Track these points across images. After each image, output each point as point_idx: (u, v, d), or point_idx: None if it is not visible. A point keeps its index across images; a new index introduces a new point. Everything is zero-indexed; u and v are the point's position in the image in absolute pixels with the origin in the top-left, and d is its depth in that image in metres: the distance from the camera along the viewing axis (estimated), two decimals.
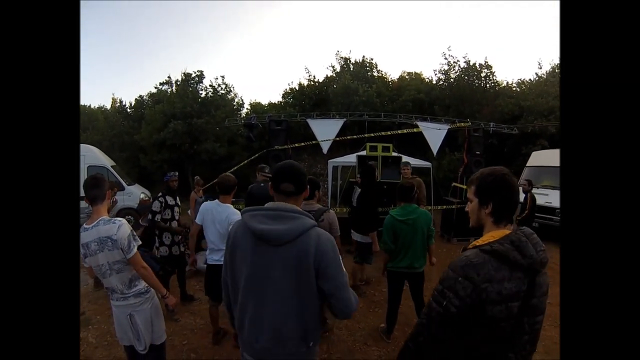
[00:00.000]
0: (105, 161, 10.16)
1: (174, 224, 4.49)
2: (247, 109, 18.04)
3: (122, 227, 2.21)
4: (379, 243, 3.65)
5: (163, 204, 4.39)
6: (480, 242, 1.30)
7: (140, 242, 2.33)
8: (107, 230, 2.17)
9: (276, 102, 18.83)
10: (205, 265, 5.43)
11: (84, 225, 2.23)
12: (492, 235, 1.29)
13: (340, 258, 1.53)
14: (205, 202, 3.66)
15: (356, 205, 5.10)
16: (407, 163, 6.52)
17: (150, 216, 4.40)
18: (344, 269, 1.53)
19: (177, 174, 4.63)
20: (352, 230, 5.02)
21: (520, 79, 17.63)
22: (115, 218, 2.27)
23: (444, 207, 8.28)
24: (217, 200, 3.46)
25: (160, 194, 4.51)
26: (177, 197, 4.65)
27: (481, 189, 1.36)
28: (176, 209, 4.56)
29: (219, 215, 3.33)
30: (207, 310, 4.32)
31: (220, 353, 3.51)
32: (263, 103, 18.95)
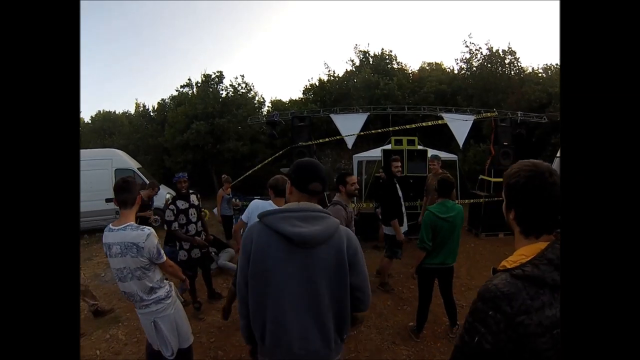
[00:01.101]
0: (132, 164, 10.43)
1: (192, 227, 4.28)
2: (268, 106, 18.15)
3: (150, 237, 2.21)
4: (416, 241, 3.54)
5: (175, 211, 4.17)
6: (511, 262, 1.07)
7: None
8: (134, 237, 2.17)
9: (297, 98, 18.83)
10: (230, 263, 5.50)
11: (110, 226, 2.25)
12: (523, 253, 1.07)
13: None
14: (256, 200, 3.67)
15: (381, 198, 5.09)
16: (437, 157, 5.97)
17: (166, 227, 4.25)
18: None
19: (186, 175, 4.36)
20: (382, 225, 5.07)
21: (546, 64, 16.89)
22: (145, 226, 2.26)
23: (472, 200, 8.02)
24: (270, 201, 3.45)
25: (170, 200, 4.34)
26: (192, 198, 4.36)
27: (507, 189, 1.12)
28: (191, 211, 4.30)
29: None
30: (234, 308, 4.35)
31: (247, 351, 3.49)
32: (284, 100, 19.00)
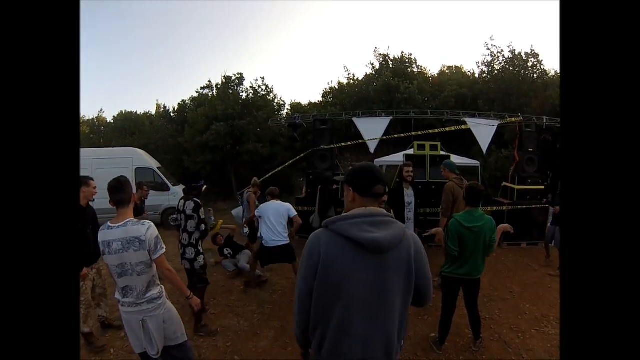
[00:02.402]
0: (152, 163, 10.60)
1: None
2: (287, 109, 18.19)
3: (151, 229, 2.28)
4: (445, 246, 3.41)
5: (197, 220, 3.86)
6: None
7: (165, 249, 2.36)
8: (135, 231, 2.23)
9: (316, 101, 18.84)
10: (248, 265, 5.50)
11: (108, 224, 2.29)
12: None
13: None
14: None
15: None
16: (450, 164, 5.23)
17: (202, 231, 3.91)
18: None
19: (202, 182, 4.07)
20: None
21: None
22: (144, 220, 2.33)
23: (494, 208, 7.81)
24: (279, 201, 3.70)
25: (195, 205, 3.87)
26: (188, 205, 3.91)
27: None
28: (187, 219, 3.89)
29: None
30: (252, 313, 4.35)
31: (265, 357, 3.45)
32: (303, 103, 19.03)
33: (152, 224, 2.33)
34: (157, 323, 2.36)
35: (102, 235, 2.26)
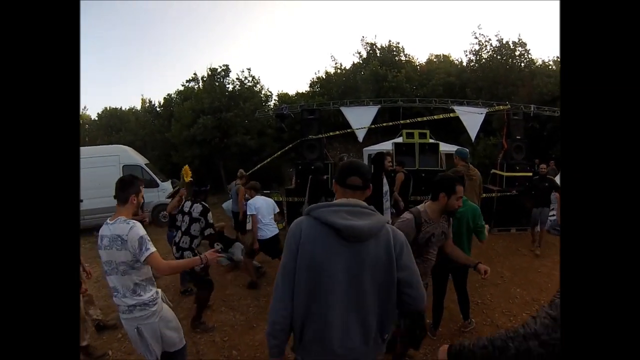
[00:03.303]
0: (139, 160, 10.44)
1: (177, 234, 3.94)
2: (274, 100, 18.06)
3: (134, 229, 2.19)
4: None
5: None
6: None
7: (152, 250, 2.19)
8: (119, 229, 2.19)
9: (304, 91, 18.73)
10: (242, 257, 5.48)
11: (107, 220, 2.30)
12: None
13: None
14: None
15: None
16: (462, 152, 5.27)
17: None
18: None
19: (207, 187, 4.13)
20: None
21: (557, 57, 16.62)
22: (131, 220, 2.26)
23: (484, 195, 7.89)
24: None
25: (203, 209, 3.83)
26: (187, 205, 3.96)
27: None
28: (185, 217, 3.90)
29: None
30: (247, 306, 4.35)
31: (262, 350, 3.46)
32: (290, 93, 18.90)
33: (138, 223, 2.26)
34: (152, 330, 2.30)
35: (100, 230, 2.28)
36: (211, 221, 3.83)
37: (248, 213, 4.86)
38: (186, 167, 4.87)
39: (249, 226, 7.82)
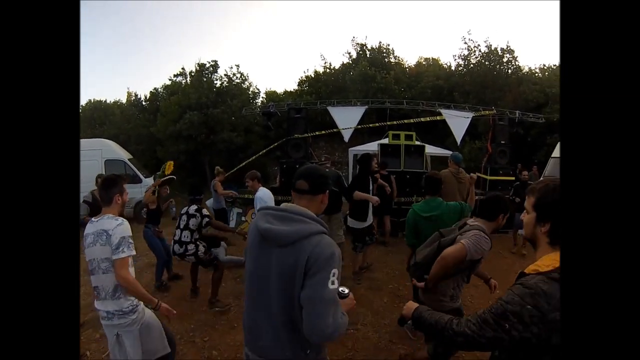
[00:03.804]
0: (123, 154, 10.23)
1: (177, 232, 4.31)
2: (262, 97, 17.94)
3: (121, 226, 2.16)
4: (405, 238, 3.47)
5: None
6: (543, 267, 1.18)
7: (134, 252, 2.17)
8: (106, 224, 2.15)
9: (292, 90, 18.67)
10: (235, 257, 5.43)
11: (92, 219, 2.24)
12: (554, 258, 1.17)
13: (336, 272, 1.36)
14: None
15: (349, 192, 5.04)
16: (455, 156, 5.36)
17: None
18: (334, 284, 1.35)
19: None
20: (348, 217, 5.12)
21: (543, 65, 17.03)
22: (121, 218, 2.23)
23: (476, 198, 8.02)
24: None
25: (197, 207, 4.32)
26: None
27: (541, 203, 1.23)
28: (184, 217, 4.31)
29: None
30: (228, 306, 4.28)
31: (242, 349, 3.41)
32: (279, 91, 18.81)
33: (127, 222, 2.21)
34: (132, 338, 2.21)
35: (85, 229, 2.21)
36: (206, 214, 4.25)
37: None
38: (171, 162, 4.92)
39: (232, 223, 7.77)
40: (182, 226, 4.17)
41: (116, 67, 44.43)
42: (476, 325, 1.21)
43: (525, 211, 1.30)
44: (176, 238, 4.19)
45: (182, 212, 4.32)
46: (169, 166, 4.88)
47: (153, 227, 4.88)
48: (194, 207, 4.25)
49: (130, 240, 2.18)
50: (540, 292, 1.10)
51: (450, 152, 9.85)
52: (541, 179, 1.31)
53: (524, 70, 16.06)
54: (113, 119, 18.84)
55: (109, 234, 2.11)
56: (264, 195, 4.43)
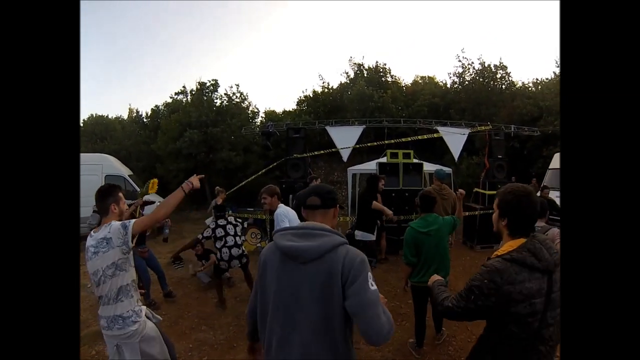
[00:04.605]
0: (123, 170, 10.25)
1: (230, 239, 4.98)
2: (261, 117, 18.10)
3: (113, 225, 2.16)
4: (402, 257, 3.51)
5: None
6: (501, 252, 1.52)
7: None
8: (103, 233, 2.14)
9: (291, 109, 18.87)
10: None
11: (91, 233, 2.22)
12: (510, 245, 1.52)
13: (370, 275, 1.42)
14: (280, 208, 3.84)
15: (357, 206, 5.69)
16: (437, 172, 5.95)
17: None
18: (373, 286, 1.39)
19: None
20: (355, 231, 5.47)
21: (536, 79, 17.33)
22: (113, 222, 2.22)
23: (467, 213, 8.01)
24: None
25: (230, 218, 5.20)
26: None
27: (501, 203, 1.57)
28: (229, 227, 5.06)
29: None
30: (227, 325, 4.24)
31: None
32: (277, 111, 19.01)
33: (115, 222, 2.20)
34: (132, 350, 2.18)
35: (86, 243, 2.20)
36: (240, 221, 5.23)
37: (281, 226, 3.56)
38: (155, 180, 4.75)
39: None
40: (232, 232, 4.91)
41: (119, 82, 45.10)
42: (455, 299, 1.56)
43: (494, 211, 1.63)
44: (231, 243, 4.84)
45: (219, 224, 4.96)
46: (153, 184, 4.62)
47: (137, 247, 4.78)
48: (231, 219, 5.14)
49: (127, 221, 2.18)
50: (494, 269, 1.45)
51: (445, 169, 9.98)
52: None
53: (518, 85, 16.31)
54: (114, 135, 18.94)
55: (108, 239, 2.11)
56: (288, 213, 3.70)
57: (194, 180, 2.39)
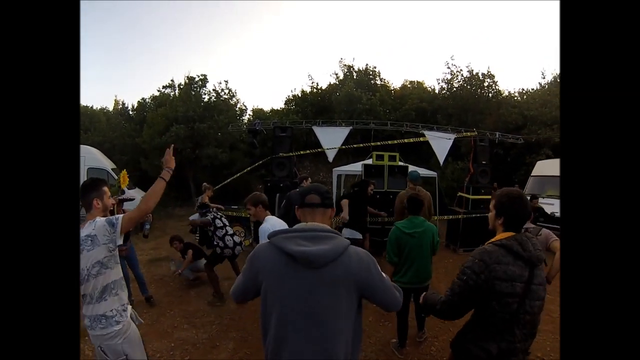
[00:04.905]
0: (106, 163, 10.05)
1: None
2: (249, 114, 17.95)
3: (98, 222, 2.08)
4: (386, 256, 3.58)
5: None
6: (493, 240, 1.76)
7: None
8: (86, 230, 2.05)
9: (278, 108, 18.77)
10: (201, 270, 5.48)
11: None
12: (502, 235, 1.75)
13: (376, 263, 1.52)
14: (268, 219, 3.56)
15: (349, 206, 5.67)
16: (410, 174, 5.82)
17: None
18: (383, 274, 1.52)
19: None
20: (343, 229, 5.55)
21: (522, 89, 17.73)
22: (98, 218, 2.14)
23: (450, 217, 8.15)
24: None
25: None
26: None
27: (497, 204, 1.79)
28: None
29: None
30: (210, 324, 4.21)
31: None
32: (265, 109, 18.89)
33: (100, 218, 2.13)
34: (114, 352, 2.13)
35: None
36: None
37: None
38: (124, 172, 4.50)
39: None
40: (227, 223, 5.26)
41: (105, 73, 43.99)
42: (449, 289, 1.77)
43: (490, 210, 1.85)
44: (232, 232, 5.18)
45: (217, 223, 5.10)
46: (123, 178, 4.34)
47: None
48: (217, 212, 5.46)
49: (110, 220, 2.11)
50: (484, 251, 1.69)
51: (434, 173, 10.09)
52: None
53: (504, 94, 16.63)
54: (98, 126, 18.33)
55: (92, 236, 2.03)
56: (275, 229, 3.24)
57: (170, 163, 2.37)
